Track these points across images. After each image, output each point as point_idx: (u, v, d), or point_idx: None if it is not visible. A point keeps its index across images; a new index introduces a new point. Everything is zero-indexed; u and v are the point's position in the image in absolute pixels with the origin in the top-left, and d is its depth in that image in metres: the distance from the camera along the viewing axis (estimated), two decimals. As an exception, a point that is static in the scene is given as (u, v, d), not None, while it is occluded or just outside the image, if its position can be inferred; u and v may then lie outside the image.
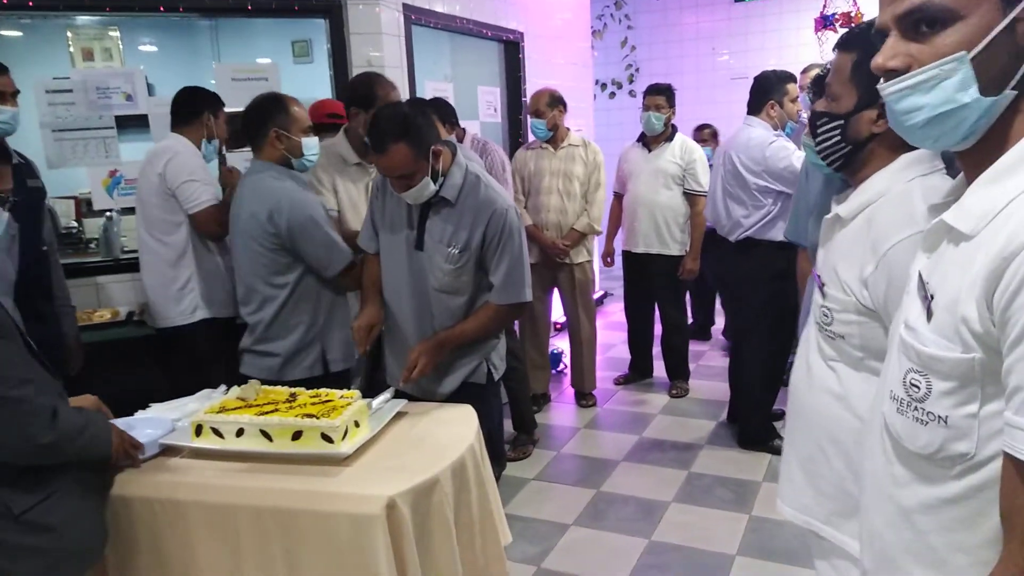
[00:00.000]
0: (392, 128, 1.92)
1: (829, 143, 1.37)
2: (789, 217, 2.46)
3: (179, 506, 1.63)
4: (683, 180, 3.98)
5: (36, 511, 1.45)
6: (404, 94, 3.71)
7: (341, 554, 1.53)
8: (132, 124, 3.42)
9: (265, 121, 2.26)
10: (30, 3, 3.12)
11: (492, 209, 2.05)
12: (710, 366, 4.69)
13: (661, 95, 3.93)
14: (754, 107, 3.30)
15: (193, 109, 2.78)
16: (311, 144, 2.32)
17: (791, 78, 3.32)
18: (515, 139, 4.90)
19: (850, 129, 1.34)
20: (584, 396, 4.17)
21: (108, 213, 3.31)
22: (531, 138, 4.01)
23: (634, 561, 2.64)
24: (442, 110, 3.28)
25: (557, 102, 3.78)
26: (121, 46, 3.96)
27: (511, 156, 4.11)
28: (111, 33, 3.90)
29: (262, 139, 2.27)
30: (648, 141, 4.06)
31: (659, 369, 4.46)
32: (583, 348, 4.08)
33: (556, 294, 4.12)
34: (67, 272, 2.79)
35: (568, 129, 3.91)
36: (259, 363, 2.29)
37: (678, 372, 4.30)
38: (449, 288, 2.10)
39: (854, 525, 1.29)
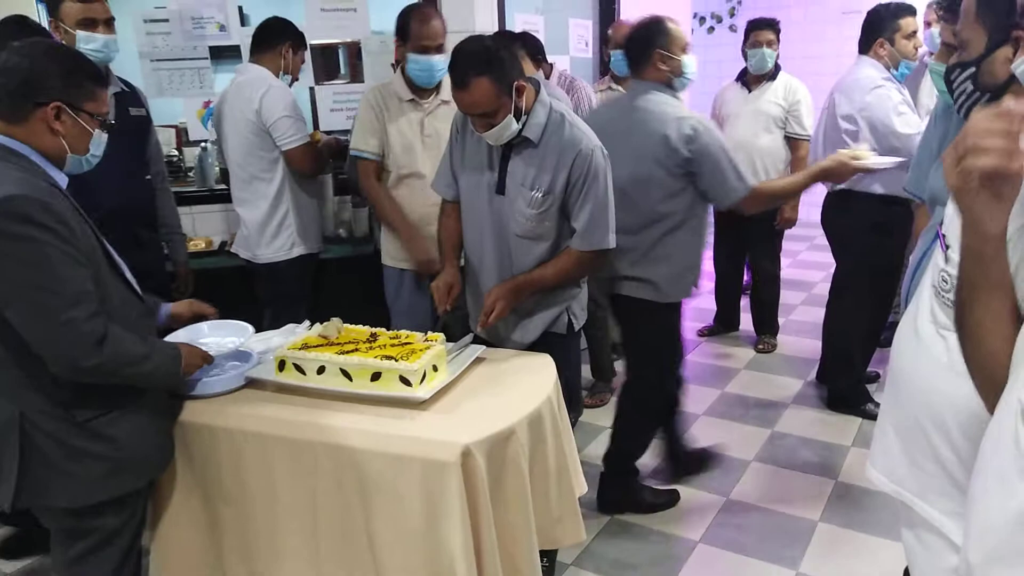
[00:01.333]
0: (474, 62, 1.83)
1: (965, 95, 1.22)
2: (910, 166, 2.25)
3: (262, 439, 1.67)
4: (785, 123, 3.72)
5: (99, 422, 1.52)
6: (493, 27, 3.58)
7: (413, 499, 1.54)
8: (226, 55, 3.44)
9: (649, 43, 2.27)
10: (128, -69, 3.13)
11: (577, 149, 1.94)
12: (801, 321, 4.49)
13: (772, 29, 3.65)
14: (863, 45, 3.01)
15: (273, 39, 2.77)
16: (689, 62, 2.30)
17: (907, 11, 2.95)
18: (605, 75, 4.70)
19: (984, 74, 1.18)
20: (665, 346, 4.07)
21: (203, 144, 3.38)
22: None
23: (710, 518, 2.58)
24: (530, 45, 3.14)
25: None
26: (217, -27, 3.96)
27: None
28: (206, -38, 3.89)
29: (646, 61, 2.29)
30: (749, 80, 3.81)
31: (745, 322, 4.30)
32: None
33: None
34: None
35: None
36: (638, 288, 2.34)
37: (766, 326, 4.13)
38: (531, 234, 2.02)
39: (948, 503, 1.21)
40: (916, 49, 2.98)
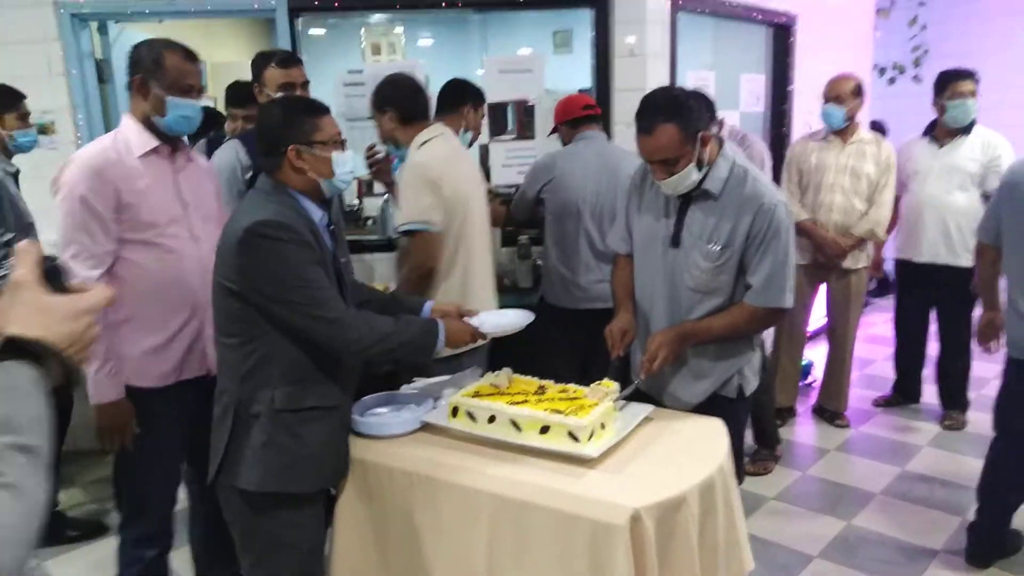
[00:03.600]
0: (662, 108, 1.85)
1: None
2: None
3: (432, 482, 1.72)
4: (983, 180, 3.43)
5: (295, 417, 1.69)
6: (664, 81, 3.61)
7: (578, 558, 1.52)
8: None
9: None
10: (336, 3, 3.48)
11: (760, 203, 1.90)
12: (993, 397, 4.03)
13: (972, 79, 3.41)
14: None
15: (456, 101, 2.87)
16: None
17: None
18: (778, 130, 4.57)
19: None
20: (836, 415, 3.80)
21: (385, 195, 3.63)
22: (815, 127, 3.69)
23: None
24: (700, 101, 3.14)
25: (860, 91, 3.46)
26: (403, 40, 4.30)
27: (771, 148, 3.84)
28: (396, 30, 4.24)
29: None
30: (939, 134, 3.56)
31: (928, 394, 3.93)
32: (843, 362, 3.72)
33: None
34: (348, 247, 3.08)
35: (859, 124, 3.55)
36: None
37: (955, 401, 3.75)
38: (705, 288, 1.98)
39: None
40: None
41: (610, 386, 1.86)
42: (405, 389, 2.10)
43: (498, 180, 3.76)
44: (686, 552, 1.56)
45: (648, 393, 2.10)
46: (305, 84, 2.50)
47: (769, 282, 1.93)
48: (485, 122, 3.59)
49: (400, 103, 2.53)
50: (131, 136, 1.97)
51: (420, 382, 2.15)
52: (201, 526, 2.29)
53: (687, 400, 2.07)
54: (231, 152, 2.43)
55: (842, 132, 3.51)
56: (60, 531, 2.90)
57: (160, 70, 1.94)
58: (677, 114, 1.83)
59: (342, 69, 3.71)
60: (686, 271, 1.99)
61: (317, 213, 1.75)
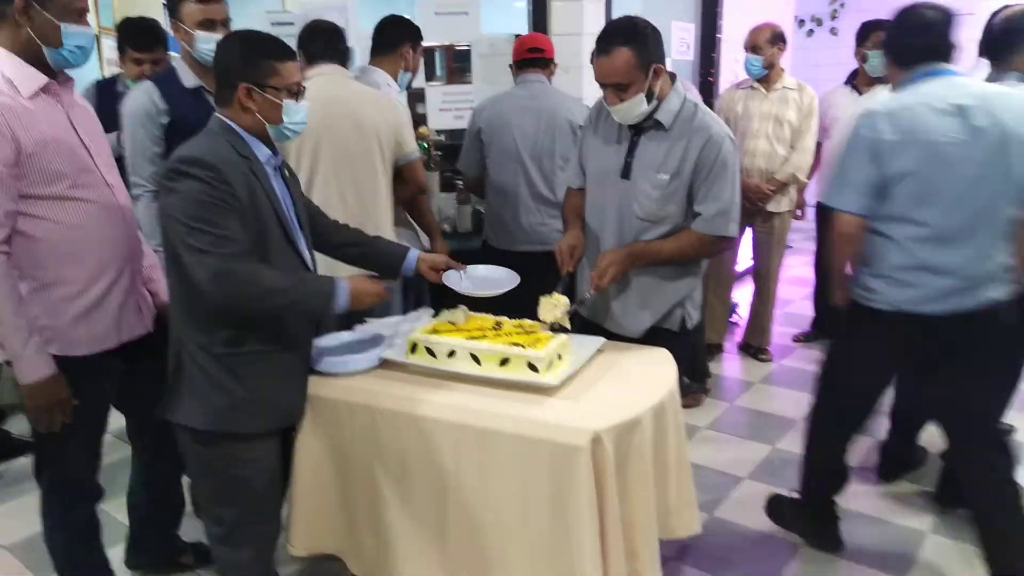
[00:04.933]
0: (620, 31, 1.93)
1: None
2: None
3: (395, 416, 1.76)
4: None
5: (235, 360, 1.68)
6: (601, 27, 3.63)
7: (542, 481, 1.60)
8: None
9: None
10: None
11: (709, 134, 1.98)
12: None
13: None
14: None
15: (396, 40, 2.83)
16: None
17: None
18: (705, 78, 4.69)
19: None
20: (760, 351, 4.03)
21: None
22: (740, 77, 3.81)
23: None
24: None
25: (779, 39, 3.58)
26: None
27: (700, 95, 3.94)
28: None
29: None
30: (860, 83, 3.74)
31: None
32: (767, 302, 3.93)
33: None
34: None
35: (783, 70, 3.68)
36: None
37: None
38: (653, 217, 2.06)
39: None
40: None
41: (559, 299, 1.93)
42: (359, 329, 2.11)
43: (435, 124, 3.73)
44: (642, 470, 1.66)
45: (595, 321, 2.19)
46: (226, 22, 2.35)
47: (716, 211, 2.02)
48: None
49: (300, 46, 2.61)
50: (11, 72, 1.66)
51: (373, 322, 2.16)
52: (141, 492, 2.23)
53: (633, 328, 2.16)
54: (144, 96, 2.28)
55: (765, 80, 3.64)
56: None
57: None
58: (633, 40, 1.90)
59: (262, 10, 3.57)
60: (635, 201, 2.06)
61: (265, 153, 1.72)
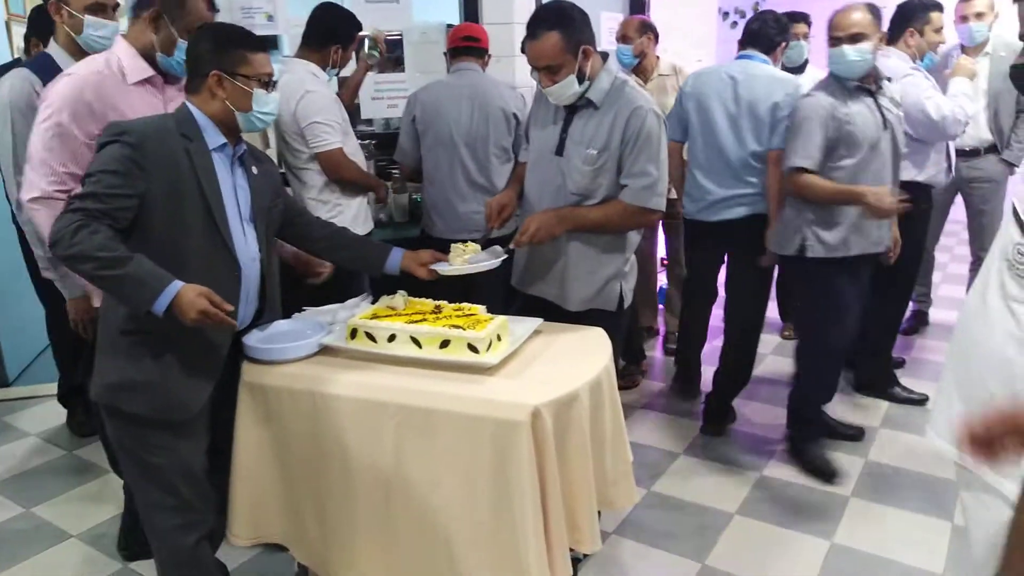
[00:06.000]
0: (548, 16, 1.98)
1: None
2: None
3: (337, 400, 1.77)
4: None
5: (133, 339, 1.69)
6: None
7: (484, 457, 1.64)
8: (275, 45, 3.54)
9: None
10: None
11: (634, 107, 2.05)
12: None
13: (805, 22, 3.78)
14: (892, 35, 3.13)
15: (324, 39, 2.70)
16: None
17: (937, 7, 3.16)
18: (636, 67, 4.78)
19: None
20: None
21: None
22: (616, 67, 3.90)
23: (744, 494, 2.69)
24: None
25: (647, 28, 3.69)
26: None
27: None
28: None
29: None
30: (779, 72, 3.89)
31: (770, 310, 4.37)
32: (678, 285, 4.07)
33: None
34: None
35: (658, 58, 3.78)
36: None
37: (790, 314, 4.21)
38: (585, 191, 2.12)
39: (1010, 466, 1.28)
40: (939, 44, 3.16)
41: (469, 246, 2.01)
42: (297, 317, 2.10)
43: (367, 113, 3.71)
44: (580, 443, 1.71)
45: (536, 294, 2.25)
46: (116, 6, 2.26)
47: (641, 182, 2.07)
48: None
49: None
50: (126, 62, 1.99)
51: (310, 310, 2.15)
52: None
53: (573, 298, 2.21)
54: (23, 82, 2.21)
55: (641, 71, 3.70)
56: None
57: (182, 9, 1.97)
58: (561, 23, 1.96)
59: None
60: (568, 177, 2.13)
61: (217, 140, 1.73)
